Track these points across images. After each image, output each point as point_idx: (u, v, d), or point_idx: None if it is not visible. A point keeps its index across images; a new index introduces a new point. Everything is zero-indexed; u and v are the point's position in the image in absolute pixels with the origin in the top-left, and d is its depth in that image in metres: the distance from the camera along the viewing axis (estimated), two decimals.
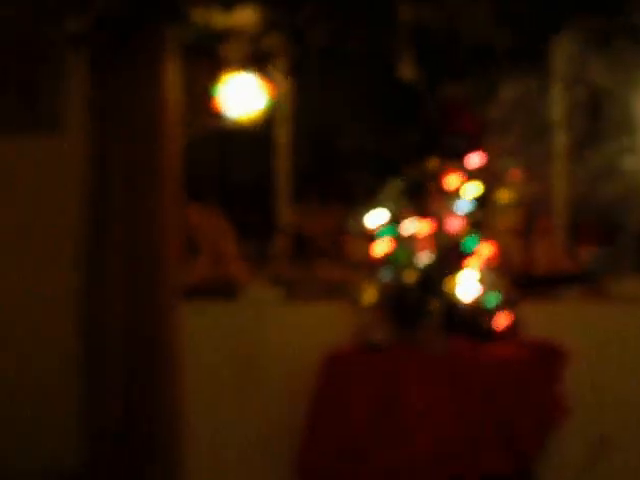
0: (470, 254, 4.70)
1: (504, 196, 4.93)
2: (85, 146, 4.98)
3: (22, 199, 5.23)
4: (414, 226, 4.71)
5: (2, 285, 5.20)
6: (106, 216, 4.98)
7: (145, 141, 4.96)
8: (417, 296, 4.61)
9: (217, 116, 5.25)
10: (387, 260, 4.74)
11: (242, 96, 5.16)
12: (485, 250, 4.73)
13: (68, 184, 5.09)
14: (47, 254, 5.20)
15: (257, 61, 4.92)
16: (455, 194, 4.73)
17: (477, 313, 4.64)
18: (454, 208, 4.72)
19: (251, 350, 5.09)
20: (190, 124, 5.17)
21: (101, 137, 4.96)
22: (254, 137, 5.57)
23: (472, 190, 4.75)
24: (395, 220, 4.75)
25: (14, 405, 5.16)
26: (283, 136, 5.52)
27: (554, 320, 4.90)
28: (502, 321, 4.68)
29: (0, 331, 5.18)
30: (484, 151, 4.82)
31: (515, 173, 5.12)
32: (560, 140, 5.27)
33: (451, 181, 4.74)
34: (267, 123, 5.45)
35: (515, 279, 4.83)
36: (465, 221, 4.71)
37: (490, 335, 4.64)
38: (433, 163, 4.76)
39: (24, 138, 5.21)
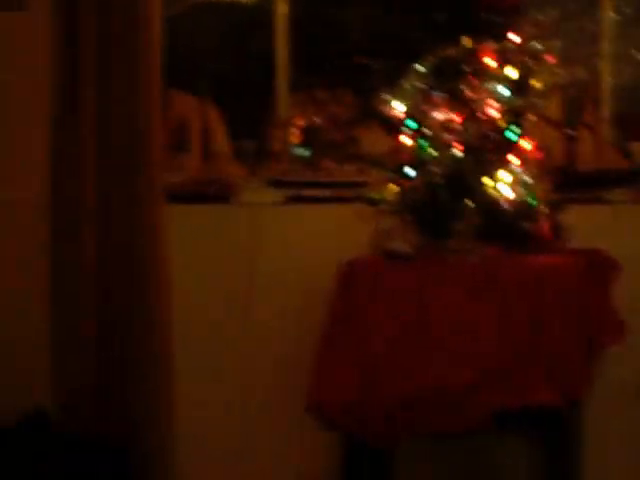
0: (509, 147, 4.06)
1: (544, 81, 4.29)
2: (54, 22, 4.36)
3: None
4: (444, 115, 4.06)
5: None
6: (76, 104, 4.33)
7: (120, 15, 4.32)
8: (447, 197, 3.99)
9: None
10: (412, 155, 4.10)
11: None
12: (526, 143, 4.09)
13: (38, 65, 4.45)
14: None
15: None
16: (491, 78, 4.09)
17: (517, 217, 4.02)
18: (491, 94, 4.07)
19: (249, 261, 4.52)
20: None
21: (70, 11, 4.33)
22: (250, 20, 4.99)
23: (511, 74, 4.10)
24: (421, 108, 4.10)
25: None
26: (282, 15, 4.89)
27: (602, 225, 4.36)
28: (545, 227, 4.07)
29: None
30: (524, 29, 4.19)
31: (553, 55, 4.47)
32: (607, 16, 4.65)
33: (487, 63, 4.09)
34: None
35: (557, 178, 4.20)
36: (504, 109, 4.06)
37: (532, 243, 4.03)
38: (466, 43, 4.12)
39: None
